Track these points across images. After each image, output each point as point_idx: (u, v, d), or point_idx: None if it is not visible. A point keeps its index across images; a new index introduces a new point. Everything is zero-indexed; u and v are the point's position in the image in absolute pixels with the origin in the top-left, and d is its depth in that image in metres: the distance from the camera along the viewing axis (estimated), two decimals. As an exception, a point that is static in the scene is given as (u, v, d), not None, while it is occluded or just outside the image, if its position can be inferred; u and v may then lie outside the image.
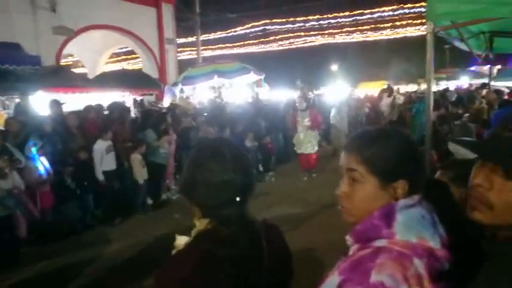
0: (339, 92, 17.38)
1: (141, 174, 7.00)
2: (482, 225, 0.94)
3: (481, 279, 0.89)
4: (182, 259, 1.21)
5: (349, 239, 1.09)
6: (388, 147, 1.08)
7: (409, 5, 23.12)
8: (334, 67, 36.78)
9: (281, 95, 18.36)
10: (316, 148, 9.15)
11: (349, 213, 1.11)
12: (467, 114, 8.24)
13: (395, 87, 18.17)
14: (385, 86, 16.08)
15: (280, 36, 30.55)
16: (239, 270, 1.18)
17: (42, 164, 5.66)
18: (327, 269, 1.09)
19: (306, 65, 34.00)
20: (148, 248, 5.51)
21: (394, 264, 0.94)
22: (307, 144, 8.97)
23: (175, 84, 13.64)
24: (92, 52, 17.69)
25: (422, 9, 21.76)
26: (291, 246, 1.44)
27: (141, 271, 4.69)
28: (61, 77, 10.66)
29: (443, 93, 14.78)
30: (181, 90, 13.14)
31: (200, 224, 1.27)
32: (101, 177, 6.58)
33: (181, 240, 1.29)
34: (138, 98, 13.09)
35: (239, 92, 14.20)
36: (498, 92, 9.06)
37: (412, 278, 0.93)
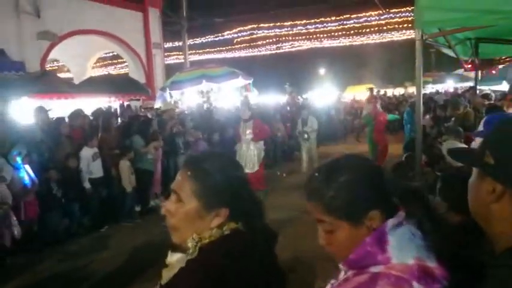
0: (320, 98, 17.28)
1: (129, 181, 6.92)
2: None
3: None
4: (191, 282, 1.05)
5: (342, 267, 1.07)
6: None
7: (395, 10, 23.38)
8: (322, 71, 37.07)
9: (269, 99, 18.38)
10: (256, 168, 7.83)
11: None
12: (453, 118, 8.28)
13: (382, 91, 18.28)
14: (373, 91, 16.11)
15: (267, 40, 30.70)
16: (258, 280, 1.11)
17: (27, 173, 5.52)
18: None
19: (293, 70, 34.19)
20: (135, 257, 5.43)
21: None
22: (247, 162, 7.72)
23: (163, 89, 13.55)
24: (77, 57, 17.48)
25: (408, 14, 22.07)
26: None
27: (129, 279, 4.62)
28: (46, 82, 10.45)
29: (432, 97, 14.85)
30: (170, 95, 13.04)
31: (204, 236, 1.14)
32: (87, 185, 6.49)
33: (174, 257, 1.18)
34: (125, 103, 12.93)
35: (227, 96, 14.14)
36: (486, 97, 9.05)
37: None
